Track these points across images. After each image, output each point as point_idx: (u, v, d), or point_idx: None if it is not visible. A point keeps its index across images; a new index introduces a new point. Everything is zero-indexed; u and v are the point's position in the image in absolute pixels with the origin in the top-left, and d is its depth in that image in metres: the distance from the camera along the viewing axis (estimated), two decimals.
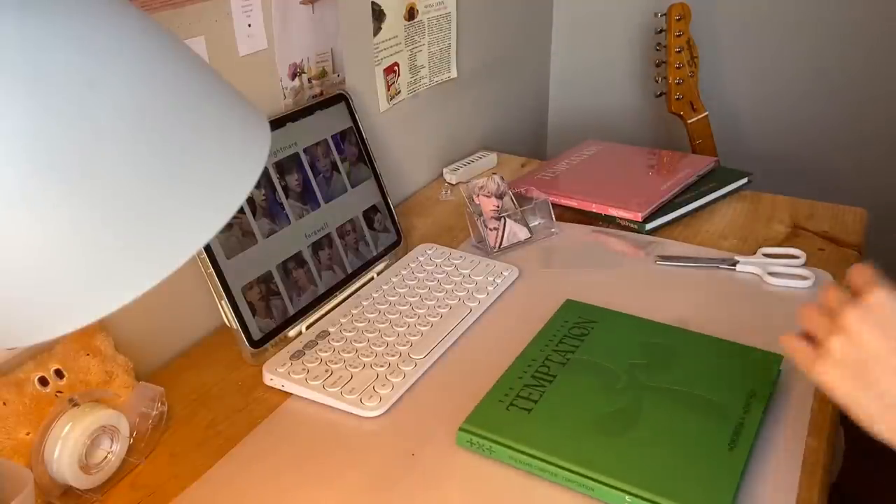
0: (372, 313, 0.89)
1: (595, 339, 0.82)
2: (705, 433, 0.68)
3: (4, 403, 0.65)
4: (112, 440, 0.69)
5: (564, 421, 0.71)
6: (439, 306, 0.90)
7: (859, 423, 0.53)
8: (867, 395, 0.52)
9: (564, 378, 0.76)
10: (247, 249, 0.83)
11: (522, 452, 0.68)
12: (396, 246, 1.04)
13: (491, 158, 1.34)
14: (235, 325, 0.81)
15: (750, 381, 0.74)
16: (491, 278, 0.96)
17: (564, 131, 1.77)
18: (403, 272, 0.98)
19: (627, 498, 0.63)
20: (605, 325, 0.84)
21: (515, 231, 1.05)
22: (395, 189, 1.18)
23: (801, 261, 0.97)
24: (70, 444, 0.65)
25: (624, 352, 0.80)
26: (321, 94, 1.03)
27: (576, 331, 0.83)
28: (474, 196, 1.07)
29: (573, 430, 0.69)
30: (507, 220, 1.05)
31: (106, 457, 0.69)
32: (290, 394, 0.79)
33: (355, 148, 1.01)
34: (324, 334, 0.86)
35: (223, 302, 0.80)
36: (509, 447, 0.68)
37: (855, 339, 0.52)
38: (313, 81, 1.01)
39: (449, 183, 1.28)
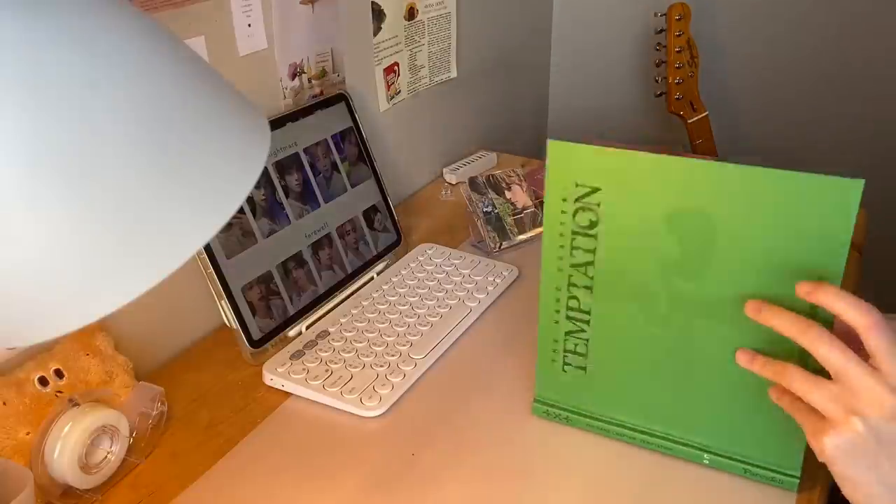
0: (372, 313, 0.89)
1: (610, 231, 0.64)
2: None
3: (4, 403, 0.65)
4: (112, 440, 0.69)
5: (623, 377, 0.68)
6: (439, 306, 0.90)
7: (852, 500, 0.54)
8: (869, 476, 0.53)
9: (600, 312, 0.66)
10: (247, 249, 0.83)
11: (600, 420, 0.69)
12: (396, 246, 1.04)
13: (491, 158, 1.34)
14: (235, 325, 0.81)
15: (818, 253, 0.56)
16: (491, 278, 0.96)
17: (564, 131, 1.77)
18: (403, 272, 0.98)
19: (706, 456, 0.65)
20: (613, 192, 0.62)
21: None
22: (395, 189, 1.17)
23: None
24: (70, 444, 0.65)
25: (650, 244, 0.62)
26: (321, 93, 1.03)
27: (582, 218, 0.64)
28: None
29: (636, 387, 0.67)
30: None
31: (106, 457, 0.69)
32: (290, 394, 0.79)
33: (355, 148, 1.01)
34: (324, 334, 0.86)
35: (223, 302, 0.80)
36: (585, 416, 0.70)
37: (880, 425, 0.52)
38: (313, 81, 1.01)
39: (449, 183, 1.28)
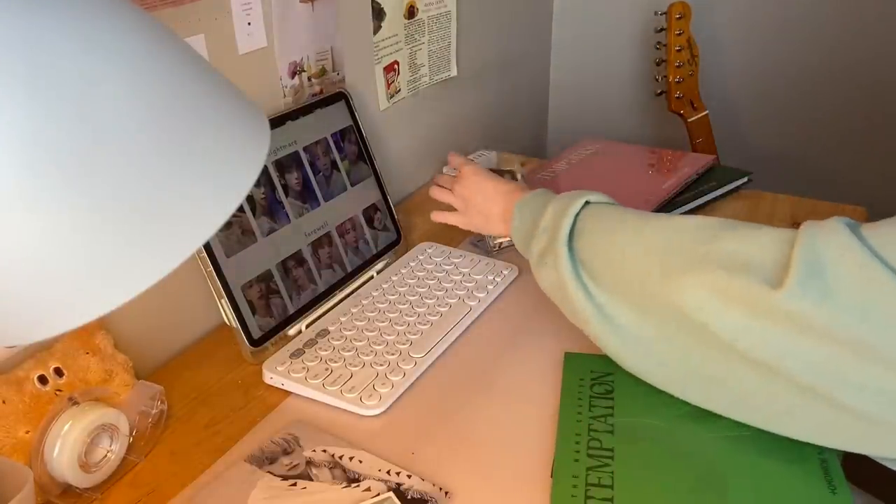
0: (372, 312, 0.89)
1: (625, 394, 0.75)
2: (799, 478, 0.64)
3: (4, 402, 0.65)
4: (112, 439, 0.69)
5: None
6: (439, 305, 0.90)
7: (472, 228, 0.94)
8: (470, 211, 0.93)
9: (622, 450, 0.69)
10: (246, 248, 0.83)
11: None
12: (396, 244, 1.04)
13: (491, 157, 1.34)
14: (235, 323, 0.81)
15: None
16: (491, 277, 0.96)
17: (564, 131, 1.77)
18: (403, 271, 0.98)
19: None
20: (623, 374, 0.75)
21: None
22: (395, 188, 1.17)
23: None
24: (70, 443, 0.65)
25: (661, 402, 0.72)
26: (321, 92, 1.03)
27: (598, 388, 0.76)
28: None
29: None
30: None
31: (105, 455, 0.69)
32: (290, 392, 0.79)
33: (355, 146, 1.00)
34: (324, 333, 0.86)
35: (223, 301, 0.80)
36: None
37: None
38: (313, 80, 1.01)
39: None
